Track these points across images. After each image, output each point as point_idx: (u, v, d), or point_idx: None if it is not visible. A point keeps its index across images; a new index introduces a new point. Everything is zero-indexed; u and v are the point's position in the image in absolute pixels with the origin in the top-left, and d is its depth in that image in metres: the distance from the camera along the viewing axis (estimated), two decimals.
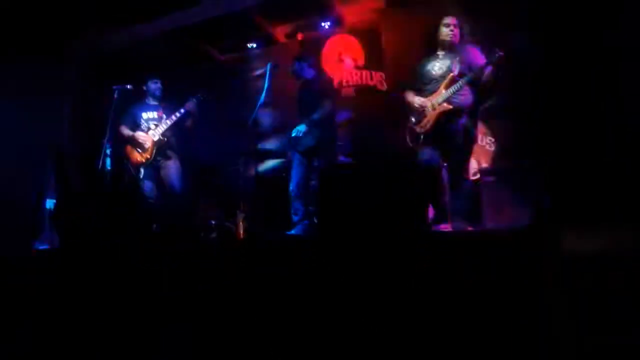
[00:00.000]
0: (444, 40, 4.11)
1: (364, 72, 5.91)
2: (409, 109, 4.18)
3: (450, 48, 4.10)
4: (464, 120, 3.98)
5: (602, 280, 1.36)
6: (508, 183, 4.19)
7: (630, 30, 3.25)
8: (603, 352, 1.32)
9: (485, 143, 5.11)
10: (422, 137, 4.08)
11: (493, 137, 5.11)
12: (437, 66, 4.09)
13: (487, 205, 4.21)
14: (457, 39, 4.11)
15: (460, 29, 4.13)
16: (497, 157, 5.03)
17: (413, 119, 4.14)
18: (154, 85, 5.28)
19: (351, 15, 6.05)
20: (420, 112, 4.06)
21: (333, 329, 1.66)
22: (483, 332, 1.47)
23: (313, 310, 1.73)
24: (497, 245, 1.53)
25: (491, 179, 4.33)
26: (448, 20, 4.12)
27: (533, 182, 4.00)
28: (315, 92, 4.94)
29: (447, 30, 4.10)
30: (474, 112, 4.11)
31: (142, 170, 5.05)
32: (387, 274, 1.67)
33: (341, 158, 5.09)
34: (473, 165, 4.82)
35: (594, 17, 3.53)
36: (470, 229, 3.98)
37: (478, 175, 4.64)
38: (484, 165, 4.99)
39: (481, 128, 5.04)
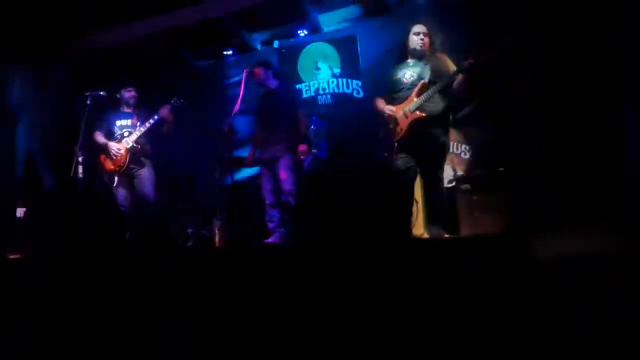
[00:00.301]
0: (414, 48, 4.14)
1: (340, 80, 5.93)
2: (381, 117, 4.18)
3: (421, 56, 4.13)
4: (435, 127, 4.01)
5: (602, 280, 1.38)
6: (484, 190, 4.24)
7: (630, 30, 3.30)
8: (603, 352, 1.33)
9: (460, 151, 5.17)
10: (396, 145, 4.08)
11: (468, 144, 5.17)
12: (408, 74, 4.11)
13: (463, 213, 4.24)
14: (427, 47, 4.13)
15: (430, 37, 4.16)
16: (473, 164, 5.09)
17: (387, 127, 4.14)
18: (128, 94, 5.18)
19: (328, 23, 6.08)
20: (392, 121, 4.07)
21: (332, 330, 1.64)
22: (483, 332, 1.48)
23: (308, 313, 1.71)
24: (496, 247, 1.54)
25: (467, 186, 4.37)
26: (418, 28, 4.15)
27: (510, 189, 4.05)
28: (278, 104, 4.80)
29: (417, 38, 4.12)
30: (445, 119, 4.14)
31: (115, 178, 4.96)
32: (378, 278, 1.67)
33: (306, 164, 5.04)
34: (448, 173, 4.87)
35: (594, 17, 3.59)
36: (446, 236, 4.00)
37: (454, 183, 4.68)
38: (460, 172, 5.04)
39: (456, 136, 5.10)
